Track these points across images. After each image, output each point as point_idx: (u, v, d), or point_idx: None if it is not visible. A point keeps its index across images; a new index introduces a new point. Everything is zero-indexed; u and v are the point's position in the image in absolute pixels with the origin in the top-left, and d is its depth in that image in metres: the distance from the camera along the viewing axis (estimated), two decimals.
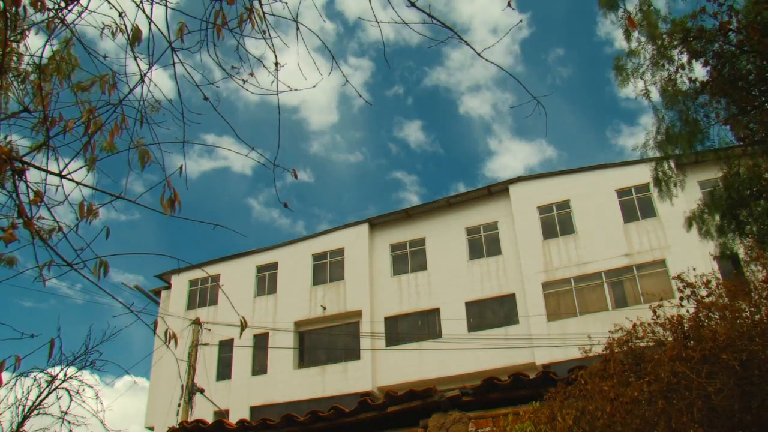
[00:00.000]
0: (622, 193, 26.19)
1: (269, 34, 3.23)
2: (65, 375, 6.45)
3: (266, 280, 30.72)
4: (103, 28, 3.51)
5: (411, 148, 71.04)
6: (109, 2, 3.25)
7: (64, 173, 2.95)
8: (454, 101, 71.55)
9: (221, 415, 24.01)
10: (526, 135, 76.11)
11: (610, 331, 4.83)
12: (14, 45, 3.84)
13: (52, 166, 3.53)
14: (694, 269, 5.54)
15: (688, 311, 4.56)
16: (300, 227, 68.78)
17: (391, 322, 27.66)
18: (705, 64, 7.40)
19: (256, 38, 3.26)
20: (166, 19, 3.20)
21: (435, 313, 27.12)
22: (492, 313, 26.28)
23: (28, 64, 4.03)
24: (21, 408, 6.39)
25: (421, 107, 74.60)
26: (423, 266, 28.46)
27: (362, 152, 73.11)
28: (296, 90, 3.43)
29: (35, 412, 6.45)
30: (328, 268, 29.83)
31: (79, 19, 3.28)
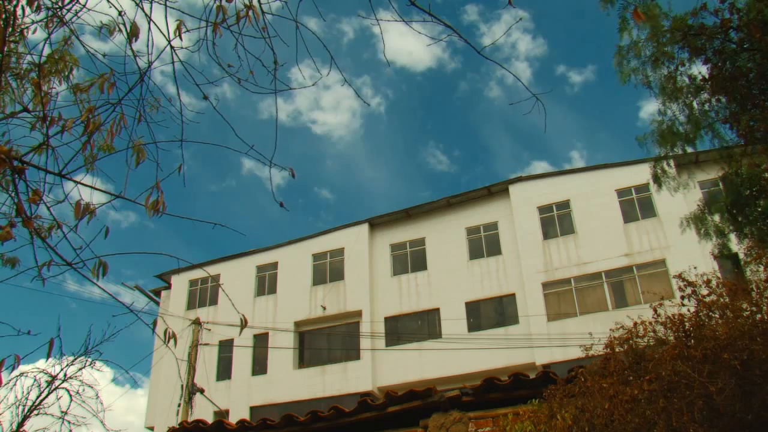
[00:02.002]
0: (622, 193, 26.17)
1: (268, 33, 3.23)
2: (65, 375, 6.44)
3: (266, 280, 30.70)
4: (101, 28, 3.51)
5: (433, 169, 71.48)
6: (108, 1, 3.24)
7: (63, 173, 2.94)
8: (473, 123, 71.97)
9: (221, 415, 24.00)
10: (547, 156, 76.42)
11: (611, 329, 4.82)
12: (13, 45, 3.83)
13: (52, 166, 3.52)
14: (695, 268, 5.53)
15: (689, 310, 4.55)
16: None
17: (391, 322, 27.65)
18: (705, 62, 7.40)
19: (255, 37, 3.25)
20: (166, 17, 3.19)
21: (435, 313, 27.11)
22: (492, 313, 26.27)
23: (28, 63, 4.02)
24: (21, 408, 6.38)
25: (442, 130, 74.97)
26: (423, 266, 28.43)
27: (385, 172, 73.67)
28: (294, 89, 3.42)
29: (35, 412, 6.44)
30: (328, 268, 29.82)
31: (77, 17, 3.27)
